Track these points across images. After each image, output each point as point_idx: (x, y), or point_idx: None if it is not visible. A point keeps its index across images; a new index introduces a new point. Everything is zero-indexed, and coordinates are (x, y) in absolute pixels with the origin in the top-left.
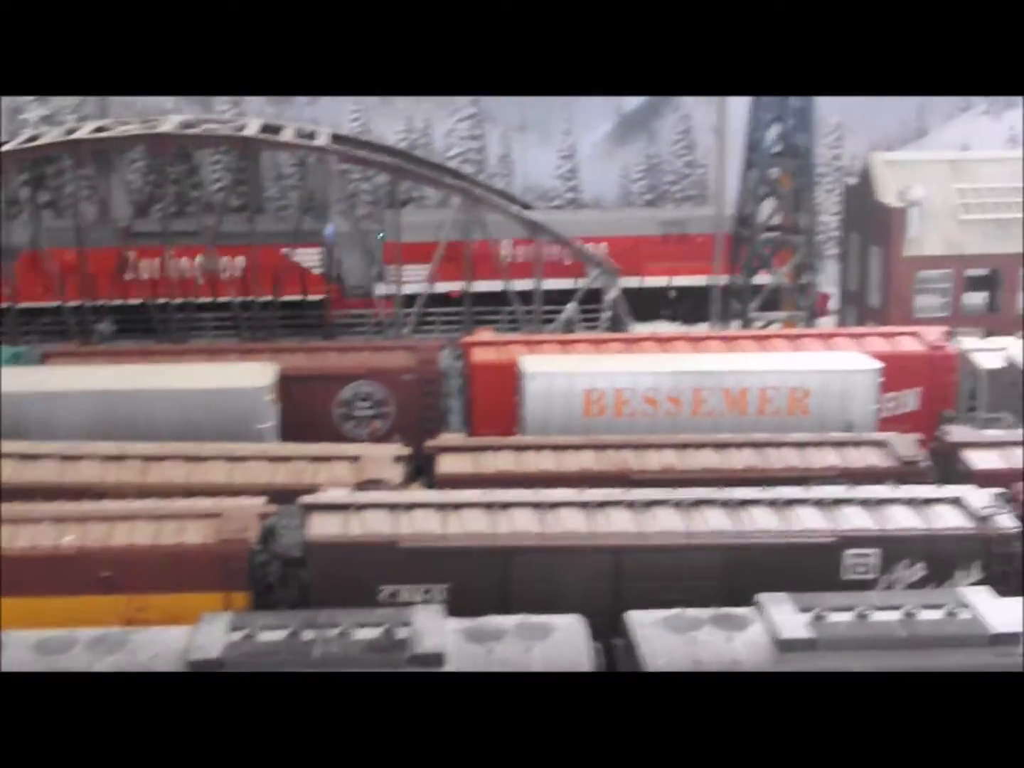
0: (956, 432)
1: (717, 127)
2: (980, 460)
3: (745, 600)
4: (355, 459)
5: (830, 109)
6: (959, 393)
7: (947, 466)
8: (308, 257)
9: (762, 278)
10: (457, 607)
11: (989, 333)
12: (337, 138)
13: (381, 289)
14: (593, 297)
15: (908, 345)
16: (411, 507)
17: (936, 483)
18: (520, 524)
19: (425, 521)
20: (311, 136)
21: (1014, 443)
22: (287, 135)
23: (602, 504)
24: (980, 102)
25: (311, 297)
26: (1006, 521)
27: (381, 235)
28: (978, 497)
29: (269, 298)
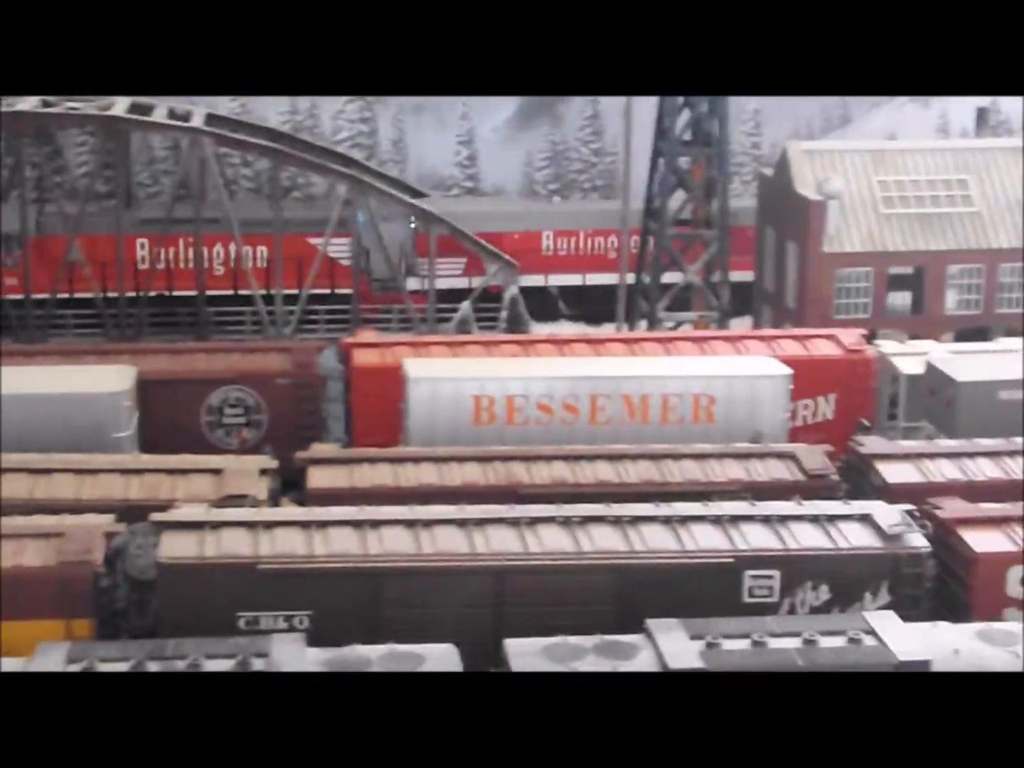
0: (870, 443)
1: (625, 112)
2: (894, 473)
3: (639, 626)
4: (218, 472)
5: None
6: (879, 400)
7: (860, 480)
8: (338, 247)
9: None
10: (322, 636)
11: (913, 336)
12: (214, 119)
13: (413, 284)
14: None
15: (823, 349)
16: (273, 526)
17: (847, 498)
18: (392, 544)
19: (288, 541)
20: (185, 117)
21: (932, 455)
22: (158, 115)
23: (483, 521)
24: None
25: (339, 290)
26: (916, 540)
27: (414, 224)
28: (888, 514)
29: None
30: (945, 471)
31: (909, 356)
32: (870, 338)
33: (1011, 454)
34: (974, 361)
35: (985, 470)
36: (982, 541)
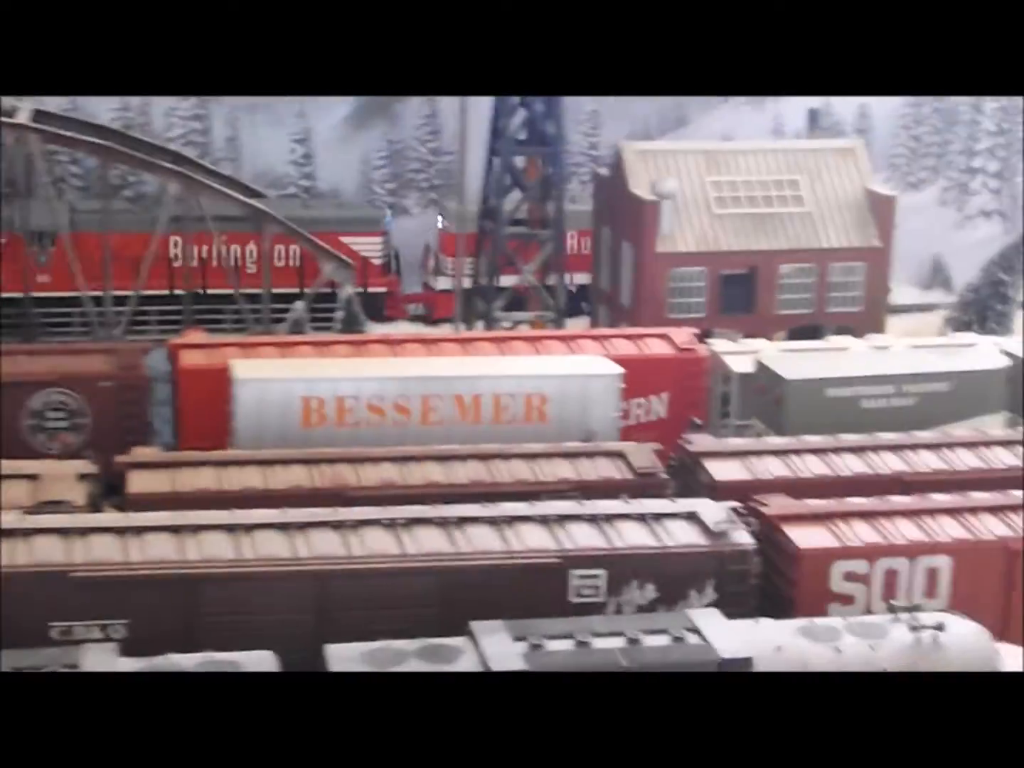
0: (699, 441)
1: (461, 110)
2: (722, 471)
3: (465, 628)
4: (34, 478)
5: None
6: (711, 399)
7: (690, 478)
8: (369, 247)
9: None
10: (138, 645)
11: (747, 335)
12: (41, 115)
13: (441, 283)
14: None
15: (656, 348)
16: (87, 532)
17: (679, 496)
18: (211, 549)
19: (103, 548)
20: (9, 113)
21: (758, 452)
22: None
23: (305, 525)
24: None
25: (372, 289)
26: (741, 536)
27: (442, 223)
28: (714, 511)
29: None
30: (772, 468)
31: (741, 355)
32: (703, 337)
33: (837, 451)
34: (803, 359)
35: (812, 467)
36: (806, 537)
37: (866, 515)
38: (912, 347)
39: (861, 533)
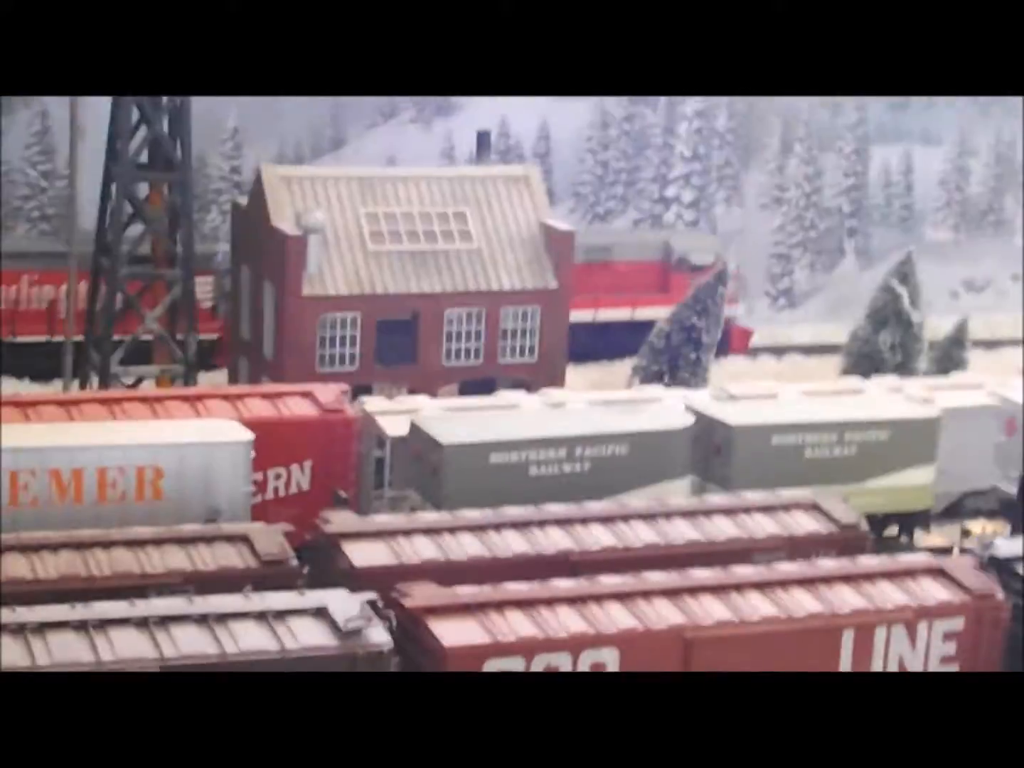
0: (337, 520)
1: (71, 126)
2: (363, 555)
3: None
4: None
5: (225, 110)
6: (364, 466)
7: (327, 563)
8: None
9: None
10: None
11: (411, 390)
12: None
13: None
14: None
15: (297, 408)
16: None
17: (311, 586)
18: None
19: None
20: None
21: (407, 532)
22: None
23: None
24: (407, 107)
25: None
26: (377, 635)
27: None
28: (347, 605)
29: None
30: (421, 550)
31: (399, 415)
32: (358, 394)
33: (497, 527)
34: (464, 421)
35: (468, 547)
36: (453, 632)
37: (523, 604)
38: (590, 404)
39: (517, 625)
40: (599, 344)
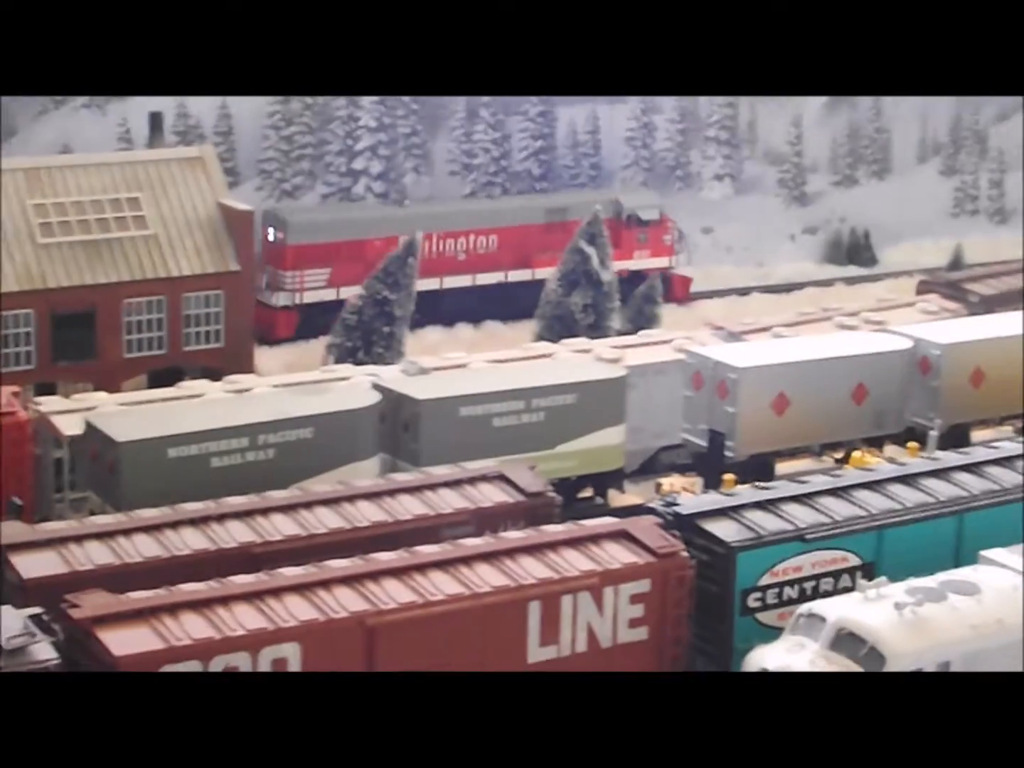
0: (7, 530)
1: None
2: (32, 566)
3: None
4: None
5: None
6: (42, 469)
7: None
8: None
9: None
10: None
11: (96, 386)
12: None
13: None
14: None
15: None
16: None
17: None
18: None
19: None
20: None
21: (79, 537)
22: None
23: None
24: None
25: None
26: (42, 651)
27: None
28: (11, 622)
29: None
30: (95, 556)
31: (77, 413)
32: (42, 393)
33: (175, 526)
34: (143, 416)
35: (143, 549)
36: (124, 641)
37: (199, 604)
38: (276, 388)
39: (192, 628)
40: None
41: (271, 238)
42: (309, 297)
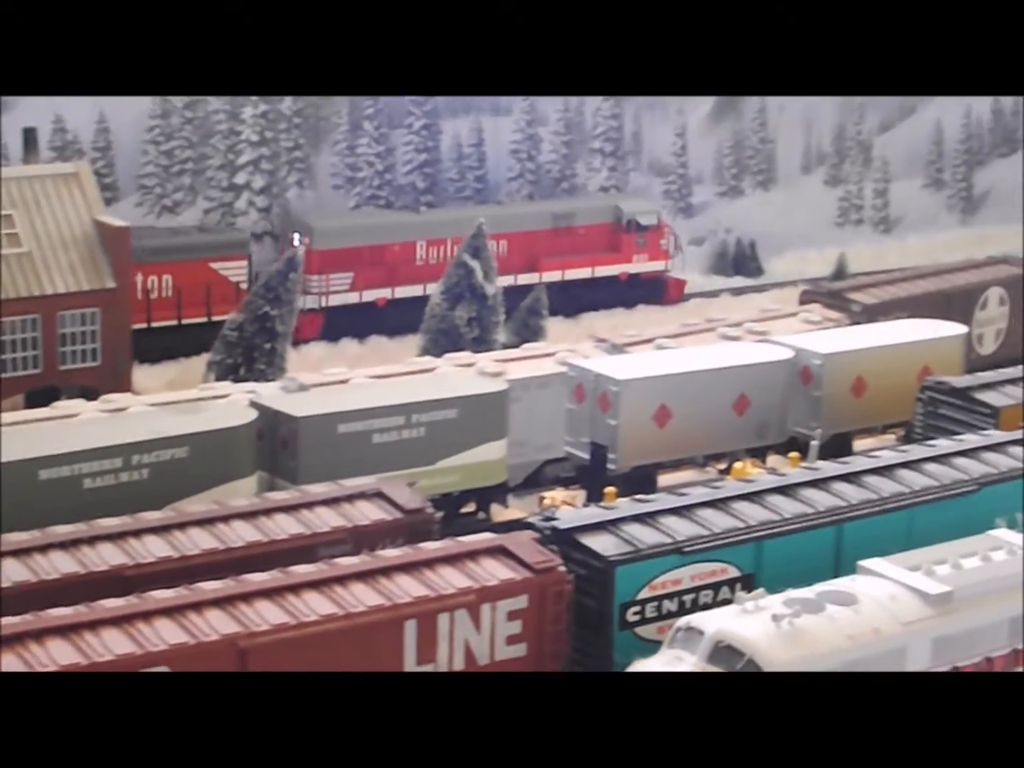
0: None
1: None
2: None
3: None
4: None
5: None
6: None
7: None
8: (236, 271)
9: None
10: None
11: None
12: None
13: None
14: None
15: None
16: None
17: None
18: None
19: None
20: None
21: None
22: None
23: None
24: None
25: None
26: None
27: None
28: None
29: None
30: None
31: None
32: None
33: (44, 549)
34: (14, 437)
35: (12, 574)
36: None
37: (65, 630)
38: (152, 407)
39: (58, 654)
40: (566, 300)
41: (296, 244)
42: (334, 300)
